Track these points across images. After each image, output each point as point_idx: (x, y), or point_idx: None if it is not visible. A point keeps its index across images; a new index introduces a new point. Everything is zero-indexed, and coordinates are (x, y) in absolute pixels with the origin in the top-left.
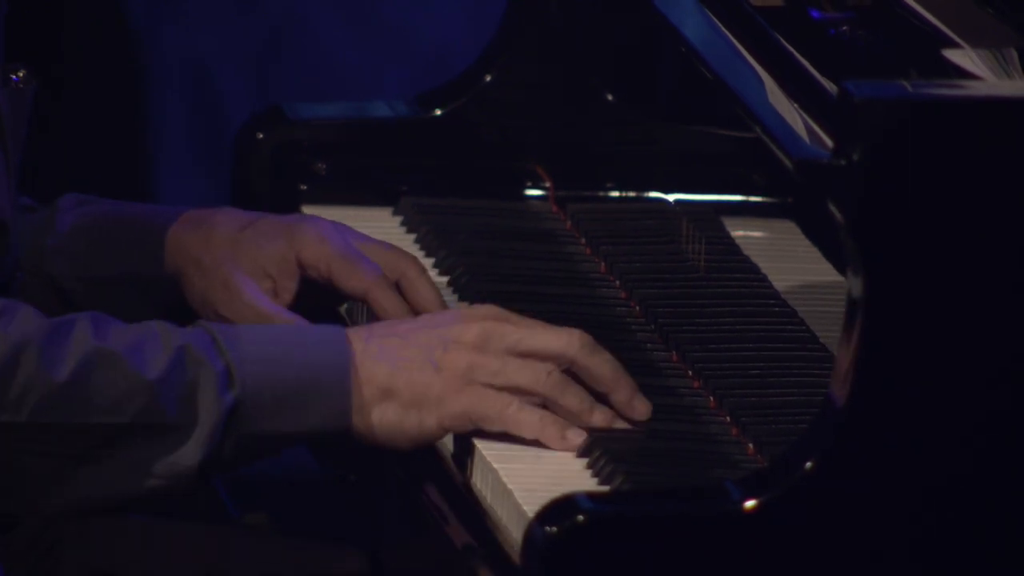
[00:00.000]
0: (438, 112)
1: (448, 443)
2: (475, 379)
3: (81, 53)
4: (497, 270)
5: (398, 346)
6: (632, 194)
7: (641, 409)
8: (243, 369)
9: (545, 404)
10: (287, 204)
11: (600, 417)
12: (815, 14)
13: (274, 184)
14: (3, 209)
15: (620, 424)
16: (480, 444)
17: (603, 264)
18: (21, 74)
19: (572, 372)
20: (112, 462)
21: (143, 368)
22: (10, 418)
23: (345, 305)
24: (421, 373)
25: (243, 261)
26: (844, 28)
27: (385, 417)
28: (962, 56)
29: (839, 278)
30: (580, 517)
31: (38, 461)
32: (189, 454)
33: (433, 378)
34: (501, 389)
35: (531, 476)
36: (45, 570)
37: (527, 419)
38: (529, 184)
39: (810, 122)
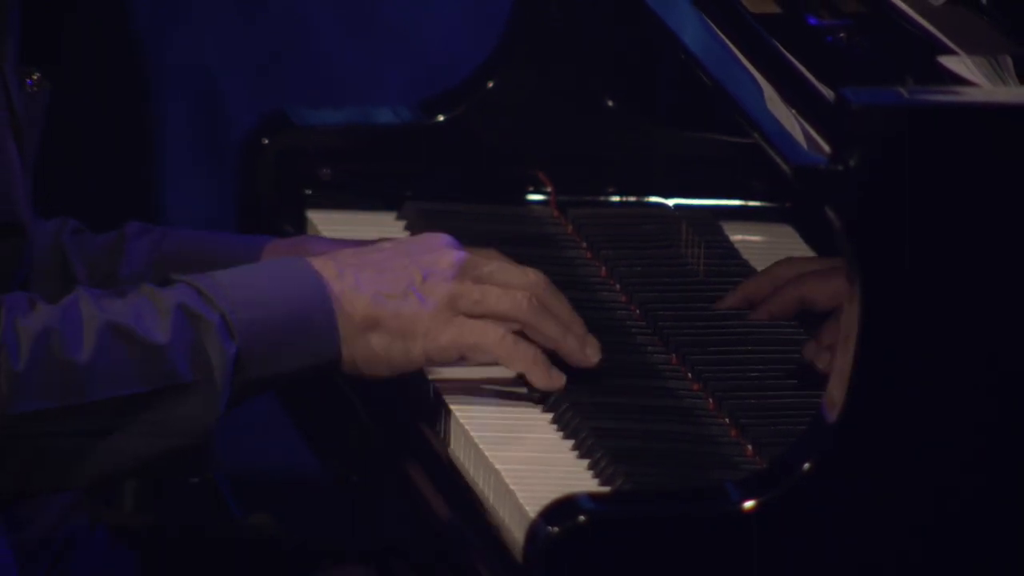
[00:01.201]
0: (441, 118)
1: (451, 443)
2: (458, 308)
3: (87, 57)
4: None
5: (375, 276)
6: (632, 199)
7: (591, 352)
8: (236, 316)
9: (523, 331)
10: (292, 209)
11: (572, 342)
12: (812, 21)
13: (279, 189)
14: (21, 211)
15: (589, 350)
16: (483, 445)
17: (604, 268)
18: (35, 77)
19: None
20: (135, 428)
21: (151, 334)
22: (43, 405)
23: None
24: (406, 303)
25: None
26: (841, 35)
27: (371, 346)
28: (958, 63)
29: None
30: (581, 517)
31: (70, 440)
32: (210, 409)
33: (419, 308)
34: (482, 317)
35: (533, 476)
36: (58, 570)
37: (522, 351)
38: (531, 189)
39: (808, 128)
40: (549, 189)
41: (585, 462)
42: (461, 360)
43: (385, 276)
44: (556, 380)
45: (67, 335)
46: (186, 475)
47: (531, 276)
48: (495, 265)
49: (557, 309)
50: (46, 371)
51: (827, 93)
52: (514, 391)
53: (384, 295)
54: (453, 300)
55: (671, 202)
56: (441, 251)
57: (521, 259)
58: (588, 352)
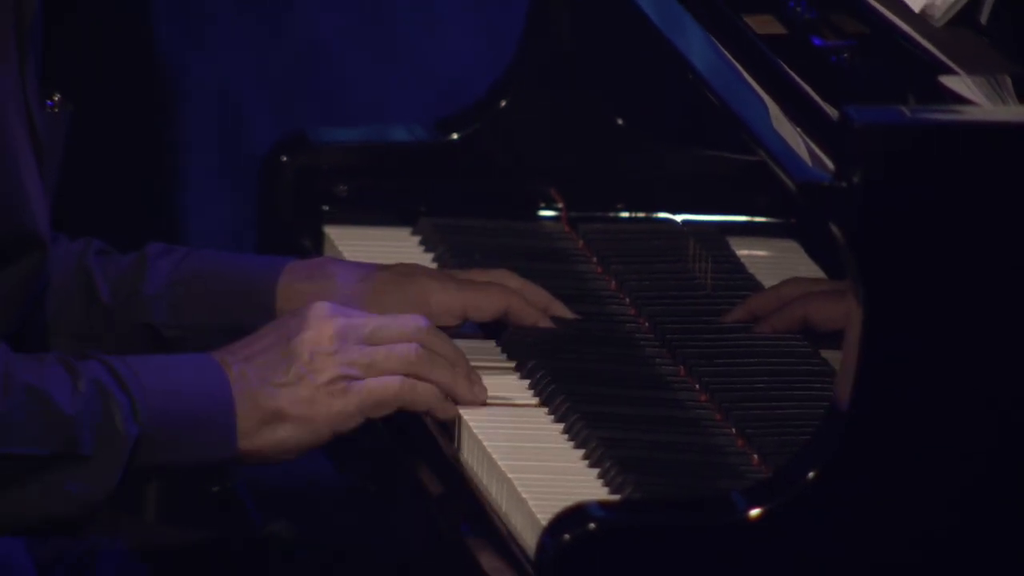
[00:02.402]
0: (455, 136)
1: (465, 454)
2: (351, 377)
3: (112, 79)
4: None
5: (265, 368)
6: (641, 215)
7: (479, 391)
8: (144, 402)
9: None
10: (310, 224)
11: (463, 384)
12: (817, 42)
13: (298, 205)
14: (43, 230)
15: (477, 389)
16: (496, 455)
17: (614, 282)
18: (56, 98)
19: None
20: (29, 489)
21: (64, 402)
22: None
23: None
24: (304, 391)
25: (368, 309)
26: (845, 55)
27: (276, 437)
28: (958, 82)
29: None
30: (591, 525)
31: None
32: (98, 483)
33: (315, 392)
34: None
35: (545, 485)
36: None
37: (423, 392)
38: (542, 205)
39: (812, 146)
40: (560, 205)
41: (595, 471)
42: (371, 421)
43: (275, 365)
44: (451, 412)
45: None
46: (207, 484)
47: (411, 325)
48: (374, 324)
49: (443, 350)
50: None
51: (831, 112)
52: (525, 402)
53: (277, 385)
54: (344, 370)
55: (679, 218)
56: (320, 324)
57: (533, 273)
58: (476, 391)
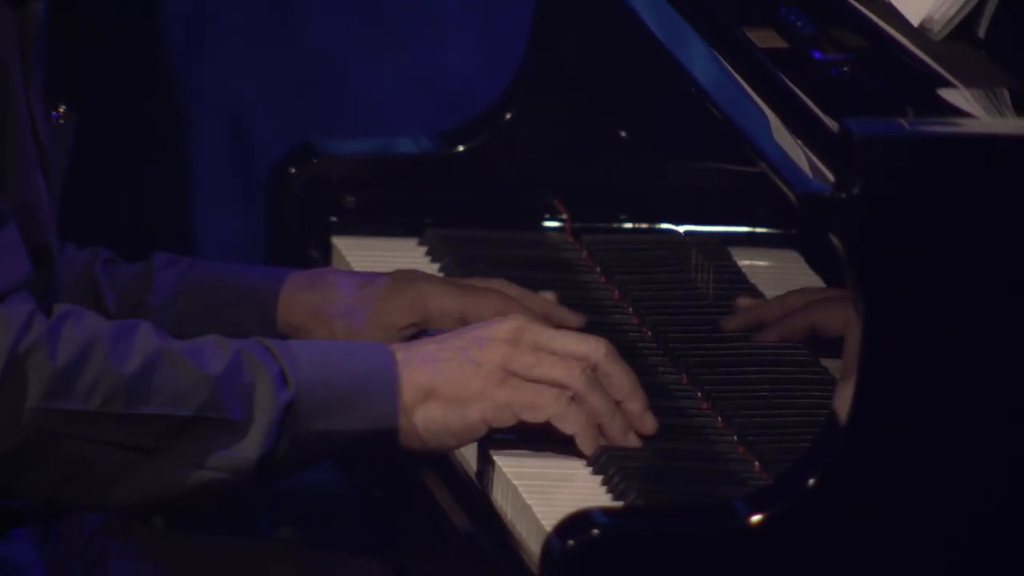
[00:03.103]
0: (461, 148)
1: (471, 461)
2: (512, 371)
3: (122, 89)
4: None
5: (436, 350)
6: (644, 226)
7: (650, 424)
8: (297, 372)
9: (572, 399)
10: (318, 235)
11: (618, 423)
12: (817, 55)
13: (306, 217)
14: (49, 241)
15: (631, 436)
16: (500, 461)
17: (617, 292)
18: (62, 110)
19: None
20: (175, 454)
21: (204, 366)
22: (80, 407)
23: None
24: (461, 370)
25: (370, 315)
26: (845, 69)
27: (428, 416)
28: (957, 95)
29: None
30: (595, 531)
31: (105, 451)
32: (248, 448)
33: (472, 373)
34: (535, 382)
35: (549, 492)
36: None
37: (575, 414)
38: (547, 216)
39: (813, 158)
40: (564, 216)
41: (599, 478)
42: (518, 422)
43: (445, 349)
44: (590, 446)
45: (116, 347)
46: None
47: (591, 344)
48: (554, 333)
49: (618, 379)
50: (87, 374)
51: (831, 124)
52: None
53: (440, 363)
54: (506, 362)
55: (681, 228)
56: (501, 322)
57: (537, 283)
58: (629, 437)
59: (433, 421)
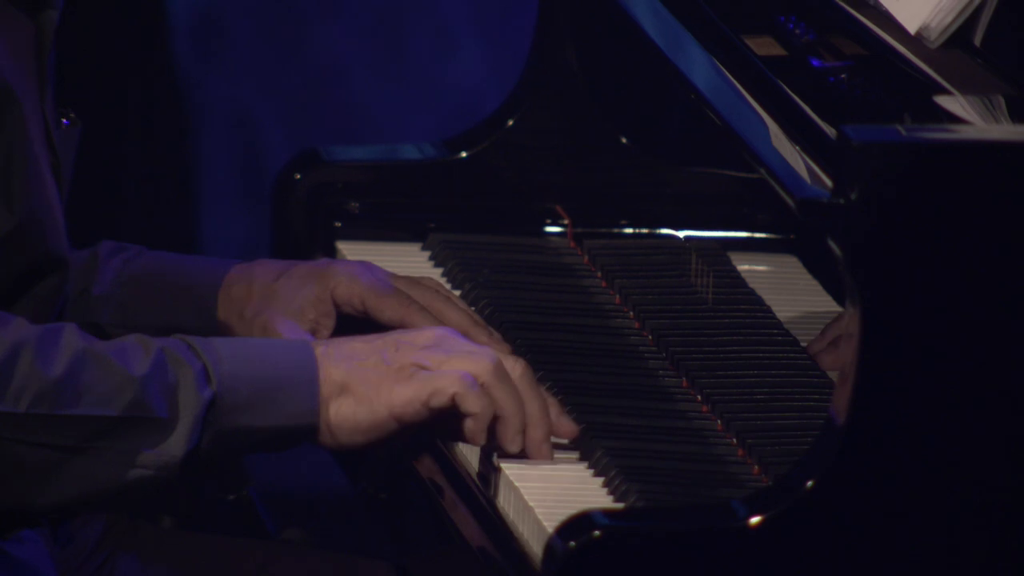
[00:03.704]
0: (464, 154)
1: (473, 463)
2: (421, 367)
3: (132, 97)
4: (519, 302)
5: (357, 349)
6: (645, 231)
7: (546, 453)
8: (219, 368)
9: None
10: (323, 241)
11: (516, 422)
12: (815, 63)
13: (311, 222)
14: (62, 247)
15: (539, 431)
16: (504, 464)
17: (618, 296)
18: (71, 116)
19: None
20: (103, 454)
21: (129, 366)
22: (9, 409)
23: None
24: (374, 369)
25: (281, 306)
26: (843, 76)
27: (340, 411)
28: (953, 102)
29: (838, 309)
30: (596, 532)
31: (34, 452)
32: (174, 446)
33: (384, 372)
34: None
35: (551, 494)
36: None
37: (477, 396)
38: (548, 221)
39: (811, 164)
40: (566, 221)
41: (600, 480)
42: (430, 415)
43: (365, 349)
44: (480, 439)
45: (41, 350)
46: (220, 492)
47: (509, 362)
48: (474, 345)
49: (526, 391)
50: (14, 377)
51: (829, 131)
52: None
53: (357, 361)
54: (418, 360)
55: (681, 234)
56: (425, 330)
57: (539, 287)
58: (535, 447)
59: (344, 418)
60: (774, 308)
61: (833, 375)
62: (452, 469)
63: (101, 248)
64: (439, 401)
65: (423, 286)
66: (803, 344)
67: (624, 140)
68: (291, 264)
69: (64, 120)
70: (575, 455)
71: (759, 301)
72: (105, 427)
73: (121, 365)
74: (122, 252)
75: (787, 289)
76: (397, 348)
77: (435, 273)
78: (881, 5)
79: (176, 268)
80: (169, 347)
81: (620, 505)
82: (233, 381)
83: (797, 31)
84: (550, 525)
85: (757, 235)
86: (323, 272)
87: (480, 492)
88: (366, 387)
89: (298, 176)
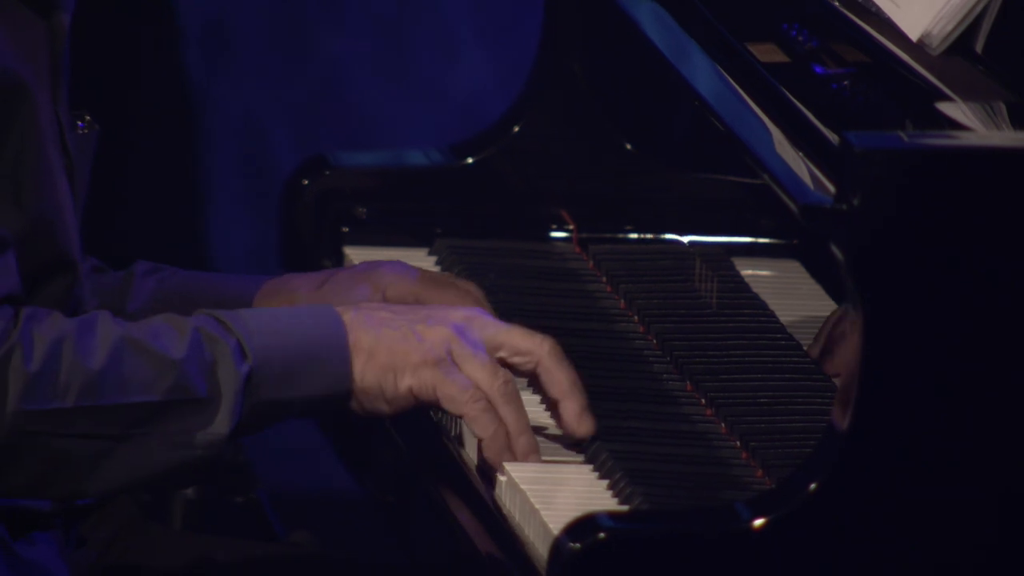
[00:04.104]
0: (470, 160)
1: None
2: (449, 353)
3: (141, 103)
4: (525, 306)
5: (386, 317)
6: (649, 236)
7: (587, 426)
8: (251, 342)
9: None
10: (330, 245)
11: (524, 443)
12: (818, 69)
13: (318, 227)
14: (72, 250)
15: (533, 459)
16: (509, 467)
17: (622, 301)
18: (87, 119)
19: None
20: (149, 439)
21: (168, 349)
22: (58, 405)
23: None
24: (404, 341)
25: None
26: (845, 83)
27: (366, 378)
28: (955, 109)
29: None
30: (601, 534)
31: (80, 444)
32: (219, 424)
33: (413, 346)
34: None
35: (556, 496)
36: None
37: (486, 420)
38: (554, 227)
39: (814, 170)
40: (571, 227)
41: (605, 483)
42: (440, 405)
43: (396, 318)
44: (496, 458)
45: (81, 342)
46: (229, 495)
47: (536, 340)
48: (503, 327)
49: (558, 376)
50: (59, 373)
51: (832, 137)
52: (537, 418)
53: (386, 329)
54: (446, 343)
55: (685, 239)
56: (457, 308)
57: (544, 292)
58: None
59: (370, 384)
60: (777, 312)
61: (836, 379)
62: (458, 471)
63: (136, 268)
64: (449, 408)
65: (464, 281)
66: (806, 348)
67: (629, 146)
68: (330, 272)
69: (80, 124)
70: (580, 458)
71: (763, 305)
72: (149, 413)
73: (160, 350)
74: (157, 272)
75: (790, 293)
76: (428, 324)
77: None
78: (883, 13)
79: (209, 286)
80: (203, 325)
81: (625, 508)
82: (266, 352)
83: (800, 38)
84: (555, 527)
85: (761, 240)
86: (370, 273)
87: (486, 494)
88: (392, 357)
89: (306, 182)
